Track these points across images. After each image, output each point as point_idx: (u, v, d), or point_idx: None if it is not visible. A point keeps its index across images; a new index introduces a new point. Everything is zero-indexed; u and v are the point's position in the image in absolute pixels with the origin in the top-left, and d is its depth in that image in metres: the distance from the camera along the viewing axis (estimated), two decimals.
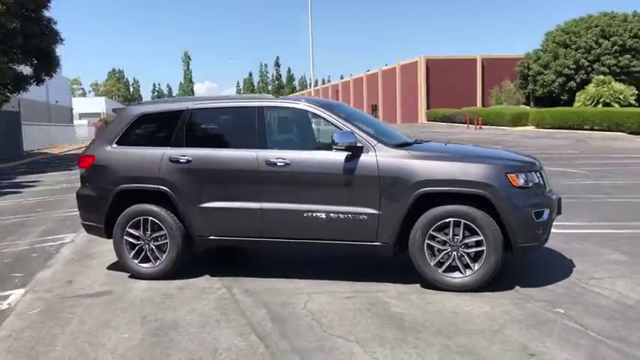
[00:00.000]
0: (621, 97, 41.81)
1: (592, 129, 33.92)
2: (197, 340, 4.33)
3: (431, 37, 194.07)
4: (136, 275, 6.01)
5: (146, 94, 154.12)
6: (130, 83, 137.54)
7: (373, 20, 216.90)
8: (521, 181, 5.16)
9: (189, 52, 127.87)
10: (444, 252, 5.22)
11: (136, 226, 5.99)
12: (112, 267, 6.57)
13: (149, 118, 6.23)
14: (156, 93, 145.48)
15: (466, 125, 42.89)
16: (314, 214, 5.47)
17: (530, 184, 5.24)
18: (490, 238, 5.09)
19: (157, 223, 5.91)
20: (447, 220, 5.18)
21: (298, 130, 6.23)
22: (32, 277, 6.30)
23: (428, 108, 53.76)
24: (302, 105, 5.85)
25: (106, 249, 7.45)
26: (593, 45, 48.01)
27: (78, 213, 6.50)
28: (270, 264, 6.65)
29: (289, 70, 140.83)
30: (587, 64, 47.76)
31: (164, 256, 5.93)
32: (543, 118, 38.49)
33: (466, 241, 5.17)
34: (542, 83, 49.89)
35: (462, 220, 5.14)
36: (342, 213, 5.40)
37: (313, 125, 6.23)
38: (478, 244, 5.15)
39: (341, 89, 78.49)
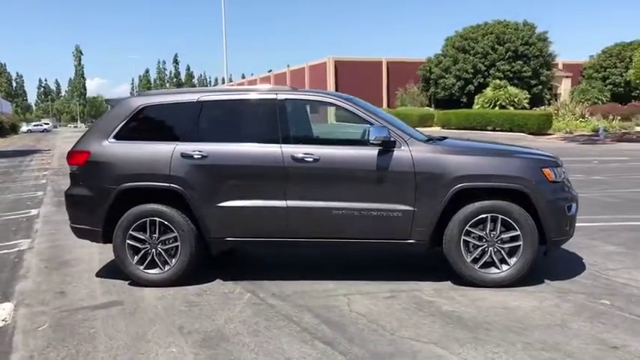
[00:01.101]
0: (516, 100, 44.69)
1: (494, 130, 35.92)
2: (260, 350, 3.96)
3: (337, 40, 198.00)
4: (141, 282, 5.46)
5: (31, 90, 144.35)
6: (13, 78, 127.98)
7: (276, 21, 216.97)
8: (553, 176, 5.23)
9: (80, 47, 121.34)
10: (480, 248, 5.18)
11: (140, 229, 5.45)
12: (102, 274, 5.95)
13: (152, 110, 5.69)
14: (42, 89, 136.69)
15: None
16: (344, 212, 5.24)
17: (560, 179, 5.32)
18: (527, 233, 5.10)
19: (166, 225, 5.40)
20: (484, 215, 5.14)
21: (323, 124, 5.96)
22: (12, 289, 5.55)
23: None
24: (328, 98, 5.61)
25: (80, 255, 6.79)
26: (489, 51, 50.91)
27: (67, 215, 5.81)
28: (277, 265, 6.30)
29: (188, 68, 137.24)
30: (484, 68, 50.57)
31: (174, 260, 5.43)
32: (449, 119, 40.22)
33: (503, 236, 5.15)
34: (444, 86, 52.24)
35: (499, 216, 5.12)
36: (375, 210, 5.21)
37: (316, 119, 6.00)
38: (514, 239, 5.15)
39: None
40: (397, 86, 54.34)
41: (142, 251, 5.45)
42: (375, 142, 5.15)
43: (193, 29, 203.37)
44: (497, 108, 42.67)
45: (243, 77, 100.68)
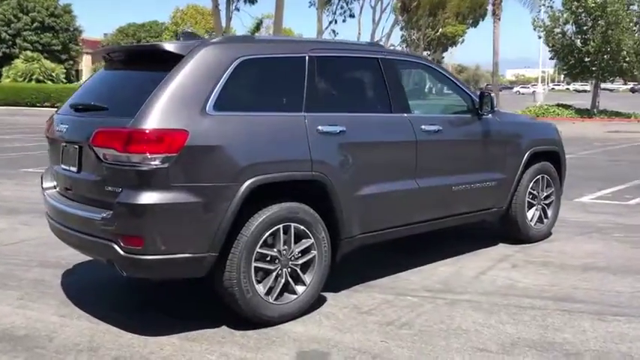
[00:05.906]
0: (54, 74, 42.27)
1: (32, 105, 33.90)
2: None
3: None
4: (271, 321, 3.66)
5: None
6: None
7: None
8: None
9: None
10: (534, 207, 5.60)
11: (268, 243, 3.65)
12: (161, 331, 3.64)
13: (257, 66, 3.75)
14: None
15: None
16: (461, 187, 4.82)
17: None
18: (557, 189, 5.80)
19: (302, 230, 3.77)
20: (539, 176, 5.57)
21: (424, 90, 5.06)
22: None
23: None
24: (424, 61, 4.89)
25: (24, 324, 3.88)
26: (12, 18, 46.20)
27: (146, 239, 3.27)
28: None
29: None
30: (8, 37, 45.76)
31: (308, 278, 3.85)
32: None
33: (545, 193, 5.71)
34: None
35: (545, 176, 5.66)
36: (482, 181, 5.00)
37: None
38: (549, 196, 5.74)
39: None
40: None
41: (274, 274, 3.67)
42: (490, 110, 4.91)
43: None
44: (33, 82, 39.45)
45: None
